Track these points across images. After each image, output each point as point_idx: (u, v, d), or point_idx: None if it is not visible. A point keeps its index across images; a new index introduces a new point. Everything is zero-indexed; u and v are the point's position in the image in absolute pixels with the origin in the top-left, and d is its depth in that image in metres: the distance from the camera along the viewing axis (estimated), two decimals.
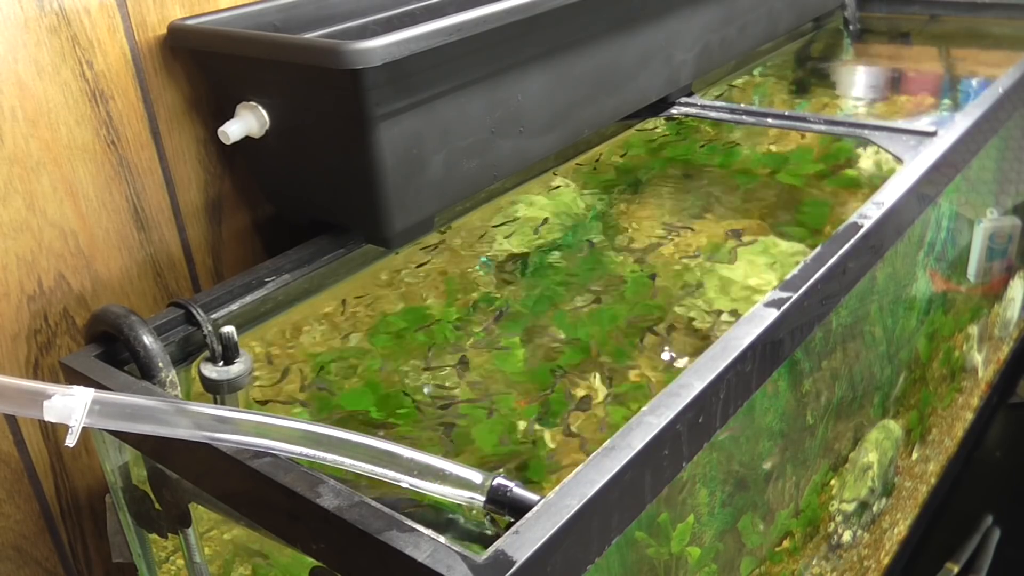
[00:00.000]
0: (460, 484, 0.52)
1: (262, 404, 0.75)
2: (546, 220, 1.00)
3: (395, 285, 0.90)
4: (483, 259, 0.94)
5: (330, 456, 0.54)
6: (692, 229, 0.97)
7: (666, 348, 0.80)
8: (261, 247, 0.95)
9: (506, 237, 0.97)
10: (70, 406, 0.54)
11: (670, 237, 0.96)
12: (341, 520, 0.50)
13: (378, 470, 0.53)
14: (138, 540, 0.74)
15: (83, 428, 0.66)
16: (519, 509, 0.50)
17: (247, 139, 0.81)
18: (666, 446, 0.57)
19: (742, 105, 1.15)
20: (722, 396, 0.62)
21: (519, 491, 0.51)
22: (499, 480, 0.51)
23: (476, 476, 0.52)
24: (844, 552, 1.06)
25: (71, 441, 0.54)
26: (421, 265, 0.93)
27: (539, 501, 0.50)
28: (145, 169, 0.83)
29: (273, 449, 0.55)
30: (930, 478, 1.30)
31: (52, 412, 0.54)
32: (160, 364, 0.65)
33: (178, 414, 0.55)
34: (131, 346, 0.65)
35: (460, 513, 0.55)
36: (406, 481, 0.53)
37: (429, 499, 0.54)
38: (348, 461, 0.53)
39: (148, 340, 0.65)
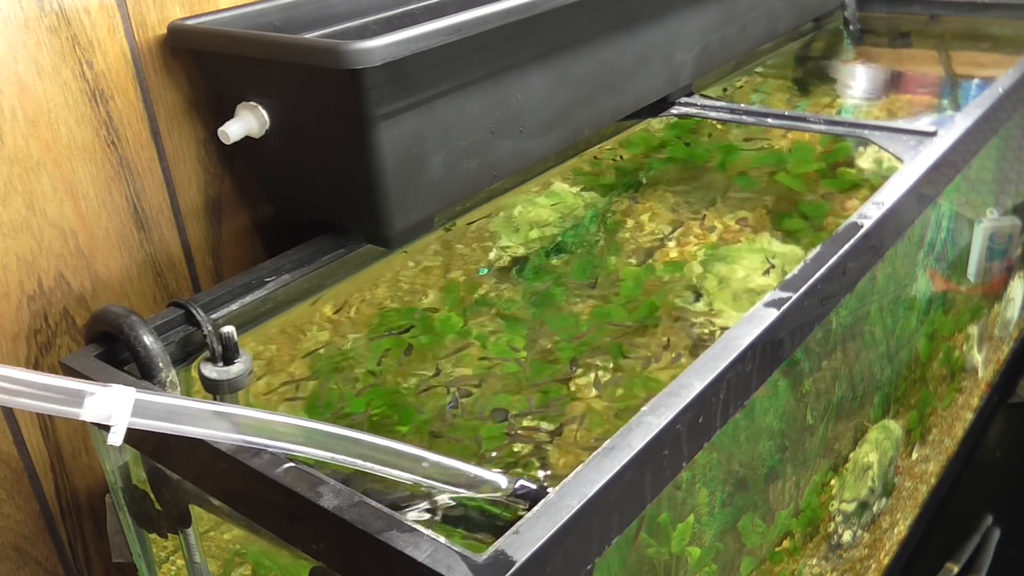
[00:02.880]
0: (487, 487, 0.55)
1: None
2: (545, 220, 1.00)
3: (395, 285, 0.90)
4: (483, 266, 0.94)
5: (368, 464, 0.55)
6: (691, 228, 0.97)
7: (665, 346, 0.80)
8: (261, 247, 0.95)
9: (506, 237, 0.97)
10: (111, 407, 0.52)
11: (670, 237, 0.96)
12: (341, 520, 0.50)
13: (408, 476, 0.55)
14: (138, 540, 0.74)
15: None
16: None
17: (247, 139, 0.81)
18: (666, 446, 0.57)
19: (742, 105, 1.15)
20: (722, 396, 0.62)
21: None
22: (521, 482, 0.53)
23: (502, 480, 0.55)
24: (844, 552, 1.06)
25: (115, 440, 0.52)
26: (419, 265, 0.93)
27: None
28: (145, 169, 0.83)
29: (311, 455, 0.55)
30: (930, 478, 1.30)
31: (90, 412, 0.52)
32: (160, 364, 0.65)
33: (217, 418, 0.54)
34: (131, 346, 0.65)
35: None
36: (432, 484, 0.55)
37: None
38: (382, 468, 0.55)
39: (148, 340, 0.65)
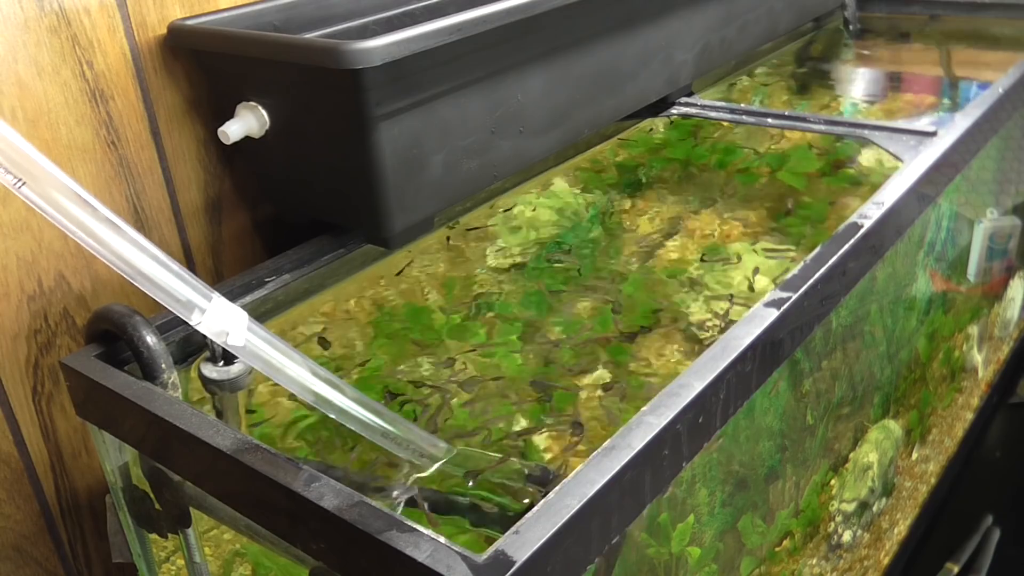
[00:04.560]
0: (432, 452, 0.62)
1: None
2: (545, 220, 1.00)
3: (395, 285, 0.90)
4: (482, 265, 0.94)
5: (402, 452, 0.60)
6: (691, 229, 0.97)
7: (664, 347, 0.80)
8: (261, 247, 0.95)
9: (505, 237, 0.97)
10: (227, 325, 0.54)
11: (669, 237, 0.96)
12: (341, 520, 0.50)
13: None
14: (138, 540, 0.74)
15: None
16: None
17: (247, 139, 0.81)
18: (666, 446, 0.57)
19: (742, 105, 1.15)
20: (722, 396, 0.62)
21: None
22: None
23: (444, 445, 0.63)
24: (844, 552, 1.06)
25: (238, 341, 0.54)
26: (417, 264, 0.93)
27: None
28: (145, 169, 0.83)
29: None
30: (930, 478, 1.30)
31: (206, 326, 0.54)
32: (163, 365, 0.65)
33: (302, 364, 0.57)
34: (134, 346, 0.65)
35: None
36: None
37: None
38: (427, 467, 0.61)
39: (151, 340, 0.65)
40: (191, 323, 0.54)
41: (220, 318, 0.54)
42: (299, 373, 0.57)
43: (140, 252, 0.52)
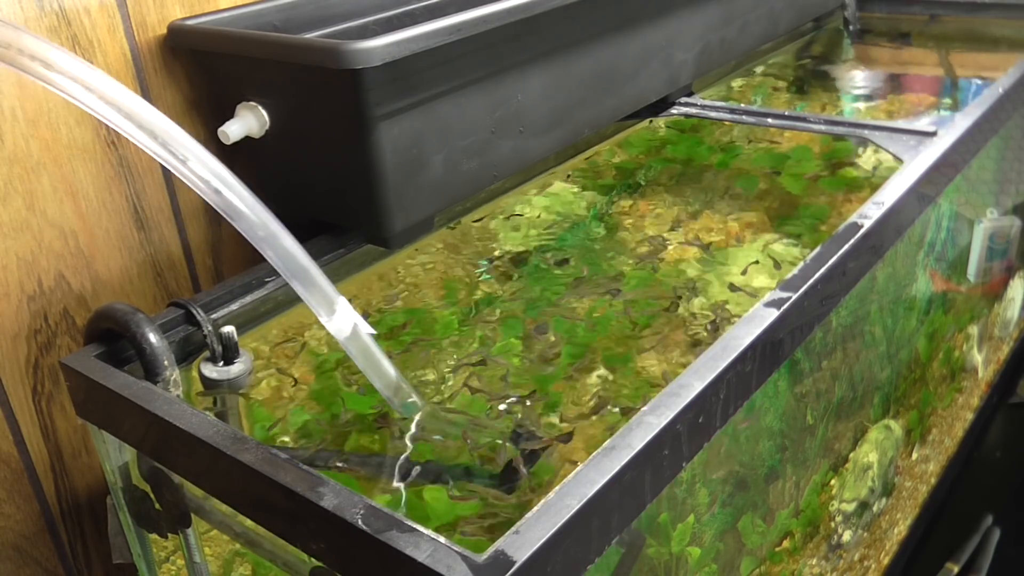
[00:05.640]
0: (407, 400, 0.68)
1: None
2: (545, 220, 1.00)
3: (395, 285, 0.90)
4: (483, 265, 0.94)
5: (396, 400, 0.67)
6: (691, 228, 0.97)
7: (665, 347, 0.80)
8: None
9: (505, 236, 0.97)
10: (351, 321, 0.62)
11: (669, 237, 0.96)
12: (341, 520, 0.50)
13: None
14: (138, 540, 0.74)
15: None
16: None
17: (247, 139, 0.81)
18: (666, 446, 0.57)
19: (742, 105, 1.15)
20: (722, 396, 0.62)
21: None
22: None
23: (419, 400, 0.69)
24: (844, 552, 1.06)
25: (370, 330, 0.63)
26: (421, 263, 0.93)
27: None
28: (145, 169, 0.83)
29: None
30: (930, 478, 1.30)
31: (332, 325, 0.62)
32: (165, 363, 0.65)
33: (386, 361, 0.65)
34: (136, 343, 0.65)
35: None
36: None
37: None
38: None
39: (154, 338, 0.65)
40: (321, 320, 0.62)
41: (346, 316, 0.63)
42: (384, 361, 0.65)
43: (302, 255, 0.62)
